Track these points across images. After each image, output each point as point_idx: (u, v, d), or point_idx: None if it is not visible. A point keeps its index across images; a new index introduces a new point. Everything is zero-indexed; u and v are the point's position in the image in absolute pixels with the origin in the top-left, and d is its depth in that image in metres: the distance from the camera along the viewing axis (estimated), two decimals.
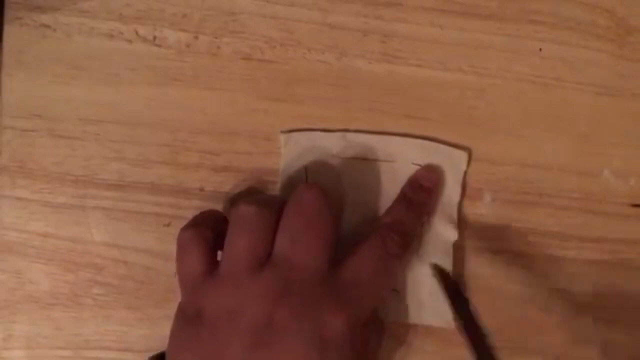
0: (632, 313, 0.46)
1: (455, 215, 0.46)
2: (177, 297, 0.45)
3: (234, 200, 0.45)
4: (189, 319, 0.38)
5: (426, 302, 0.45)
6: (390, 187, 0.45)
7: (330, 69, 0.46)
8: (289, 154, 0.45)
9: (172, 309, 0.45)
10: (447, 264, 0.45)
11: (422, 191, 0.44)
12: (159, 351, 0.40)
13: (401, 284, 0.45)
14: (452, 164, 0.46)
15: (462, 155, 0.46)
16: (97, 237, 0.45)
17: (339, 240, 0.39)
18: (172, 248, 0.45)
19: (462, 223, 0.46)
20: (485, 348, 0.38)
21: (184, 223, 0.45)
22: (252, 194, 0.45)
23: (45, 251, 0.45)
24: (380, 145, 0.45)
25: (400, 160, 0.45)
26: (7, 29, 0.45)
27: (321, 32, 0.45)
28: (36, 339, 0.45)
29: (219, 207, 0.45)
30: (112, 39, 0.45)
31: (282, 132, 0.45)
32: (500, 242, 0.46)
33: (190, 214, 0.45)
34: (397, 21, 0.46)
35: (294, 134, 0.45)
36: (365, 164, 0.45)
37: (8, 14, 0.45)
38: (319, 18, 0.45)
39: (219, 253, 0.40)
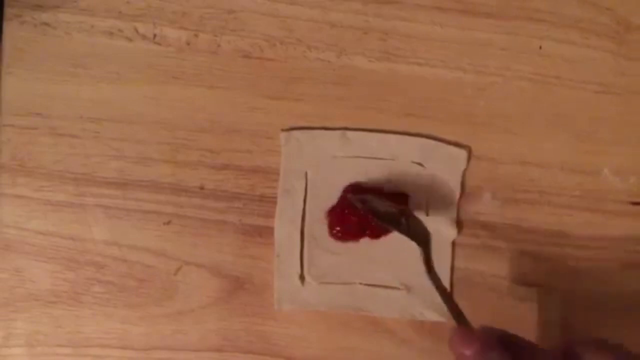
0: (632, 311, 0.46)
1: (454, 213, 0.46)
2: (177, 295, 0.45)
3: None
4: None
5: (429, 298, 0.45)
6: (390, 185, 0.45)
7: (331, 67, 0.46)
8: (289, 152, 0.45)
9: (172, 307, 0.45)
10: (447, 262, 0.46)
11: None
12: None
13: (407, 281, 0.45)
14: (452, 162, 0.46)
15: (462, 154, 0.46)
16: (97, 235, 0.45)
17: None
18: (173, 246, 0.45)
19: (461, 221, 0.46)
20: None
21: (184, 221, 0.45)
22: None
23: (45, 249, 0.45)
24: (380, 143, 0.45)
25: (400, 159, 0.46)
26: (7, 27, 0.45)
27: (321, 30, 0.45)
28: (36, 337, 0.45)
29: (219, 205, 0.45)
30: (112, 37, 0.45)
31: (283, 130, 0.45)
32: (499, 241, 0.46)
33: (190, 212, 0.45)
34: (397, 19, 0.46)
35: (294, 132, 0.45)
36: (365, 163, 0.45)
37: (8, 12, 0.45)
38: (319, 16, 0.45)
39: None
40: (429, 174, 0.46)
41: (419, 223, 0.43)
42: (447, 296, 0.40)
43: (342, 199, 0.45)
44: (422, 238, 0.42)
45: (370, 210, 0.43)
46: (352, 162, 0.45)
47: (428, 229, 0.43)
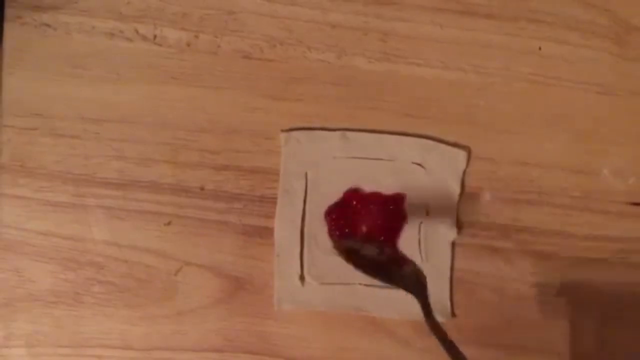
0: (631, 311, 0.46)
1: (454, 213, 0.46)
2: (177, 295, 0.45)
3: None
4: None
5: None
6: (390, 186, 0.45)
7: (331, 68, 0.46)
8: (289, 152, 0.45)
9: (172, 307, 0.45)
10: (447, 262, 0.46)
11: None
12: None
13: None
14: (452, 162, 0.46)
15: (462, 154, 0.46)
16: (97, 236, 0.45)
17: None
18: (173, 247, 0.45)
19: (461, 221, 0.46)
20: None
21: (184, 222, 0.45)
22: None
23: (45, 250, 0.45)
24: (380, 144, 0.45)
25: (399, 159, 0.46)
26: (8, 27, 0.45)
27: (321, 30, 0.46)
28: (36, 337, 0.45)
29: (219, 206, 0.45)
30: (113, 38, 0.45)
31: (283, 130, 0.45)
32: (499, 241, 0.46)
33: (190, 213, 0.45)
34: (397, 20, 0.46)
35: (294, 133, 0.45)
36: (365, 163, 0.46)
37: (9, 12, 0.45)
38: (319, 17, 0.45)
39: None
40: (429, 174, 0.46)
41: (412, 267, 0.41)
42: (448, 343, 0.38)
43: (341, 203, 0.45)
44: (417, 285, 0.40)
45: (360, 265, 0.41)
46: (352, 162, 0.46)
47: (423, 270, 0.41)
